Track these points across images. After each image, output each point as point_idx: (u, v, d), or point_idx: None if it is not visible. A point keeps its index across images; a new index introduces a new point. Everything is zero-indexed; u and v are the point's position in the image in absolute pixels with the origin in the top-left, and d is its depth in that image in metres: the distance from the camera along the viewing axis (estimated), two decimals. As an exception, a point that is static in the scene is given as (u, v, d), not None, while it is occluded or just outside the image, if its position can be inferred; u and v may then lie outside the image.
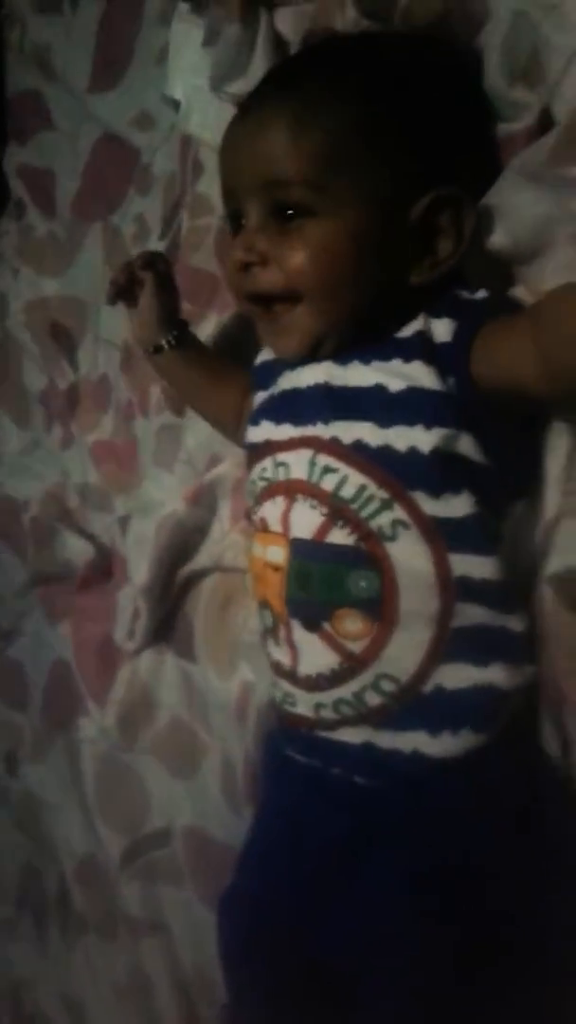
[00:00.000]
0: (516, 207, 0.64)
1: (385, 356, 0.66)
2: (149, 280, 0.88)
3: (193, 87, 0.98)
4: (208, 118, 0.96)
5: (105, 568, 1.18)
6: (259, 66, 0.86)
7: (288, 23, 0.87)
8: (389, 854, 0.67)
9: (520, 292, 0.66)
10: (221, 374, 0.91)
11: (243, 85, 0.87)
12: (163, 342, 0.89)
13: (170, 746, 1.07)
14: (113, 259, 1.19)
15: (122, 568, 1.12)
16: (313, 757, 0.71)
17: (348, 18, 0.79)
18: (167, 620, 1.06)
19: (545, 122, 0.66)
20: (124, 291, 0.89)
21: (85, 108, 1.21)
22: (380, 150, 0.64)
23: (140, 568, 1.04)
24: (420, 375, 0.64)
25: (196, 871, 1.03)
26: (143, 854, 1.09)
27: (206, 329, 0.98)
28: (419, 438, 0.63)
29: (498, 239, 0.65)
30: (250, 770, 0.90)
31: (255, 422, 0.75)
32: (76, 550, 1.22)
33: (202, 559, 1.00)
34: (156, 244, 1.10)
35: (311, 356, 0.69)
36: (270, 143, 0.65)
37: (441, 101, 0.67)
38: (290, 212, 0.65)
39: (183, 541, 1.00)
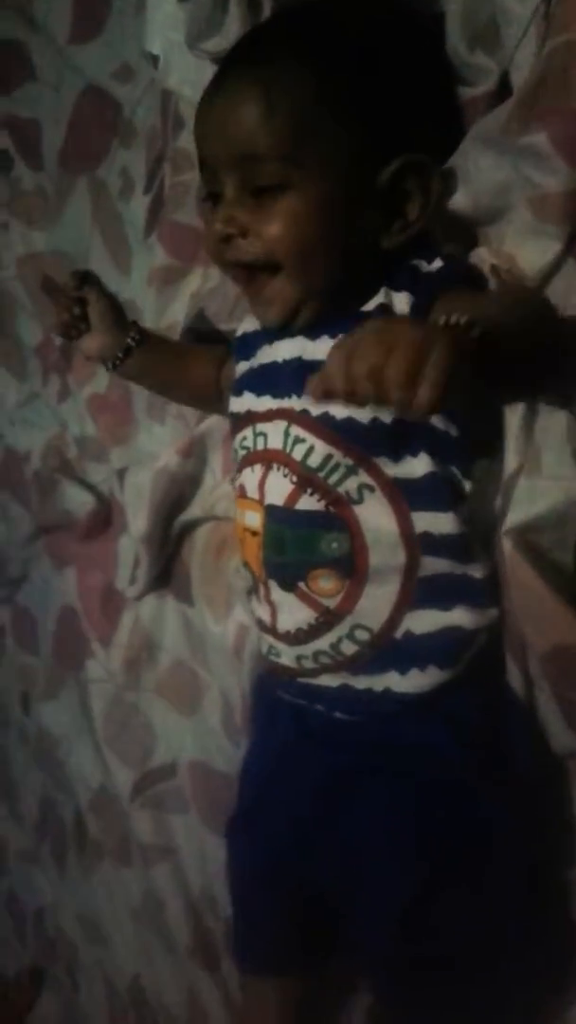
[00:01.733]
0: (477, 171, 0.66)
1: (350, 330, 0.68)
2: (93, 294, 0.87)
3: (171, 42, 0.98)
4: (187, 74, 0.96)
5: (105, 517, 1.22)
6: (234, 24, 0.85)
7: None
8: (369, 782, 0.73)
9: (482, 253, 0.69)
10: (188, 356, 0.94)
11: (219, 43, 0.87)
12: (128, 341, 0.88)
13: (173, 686, 1.13)
14: (100, 214, 1.21)
15: (121, 518, 1.16)
16: (298, 697, 0.77)
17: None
18: (166, 567, 1.11)
19: (505, 85, 0.68)
20: (77, 320, 0.87)
21: (67, 59, 1.21)
22: (347, 121, 0.66)
23: (138, 518, 1.08)
24: None
25: (200, 800, 1.10)
26: (151, 786, 1.16)
27: (191, 284, 1.00)
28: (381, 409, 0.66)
29: (460, 201, 0.68)
30: (247, 706, 0.95)
31: (238, 392, 0.79)
32: (77, 500, 1.26)
33: (195, 509, 1.04)
34: (141, 199, 1.11)
35: (289, 323, 0.72)
36: (242, 119, 0.66)
37: (405, 68, 0.69)
38: (266, 185, 0.67)
39: (177, 492, 1.04)
